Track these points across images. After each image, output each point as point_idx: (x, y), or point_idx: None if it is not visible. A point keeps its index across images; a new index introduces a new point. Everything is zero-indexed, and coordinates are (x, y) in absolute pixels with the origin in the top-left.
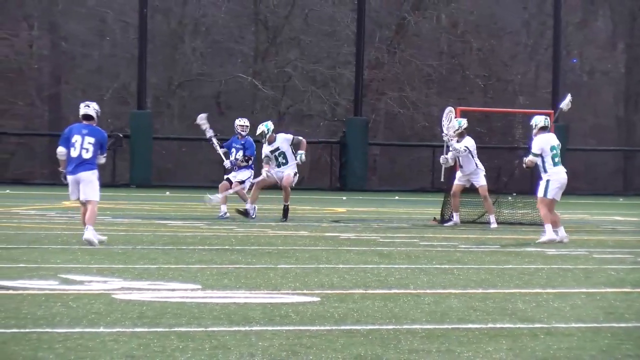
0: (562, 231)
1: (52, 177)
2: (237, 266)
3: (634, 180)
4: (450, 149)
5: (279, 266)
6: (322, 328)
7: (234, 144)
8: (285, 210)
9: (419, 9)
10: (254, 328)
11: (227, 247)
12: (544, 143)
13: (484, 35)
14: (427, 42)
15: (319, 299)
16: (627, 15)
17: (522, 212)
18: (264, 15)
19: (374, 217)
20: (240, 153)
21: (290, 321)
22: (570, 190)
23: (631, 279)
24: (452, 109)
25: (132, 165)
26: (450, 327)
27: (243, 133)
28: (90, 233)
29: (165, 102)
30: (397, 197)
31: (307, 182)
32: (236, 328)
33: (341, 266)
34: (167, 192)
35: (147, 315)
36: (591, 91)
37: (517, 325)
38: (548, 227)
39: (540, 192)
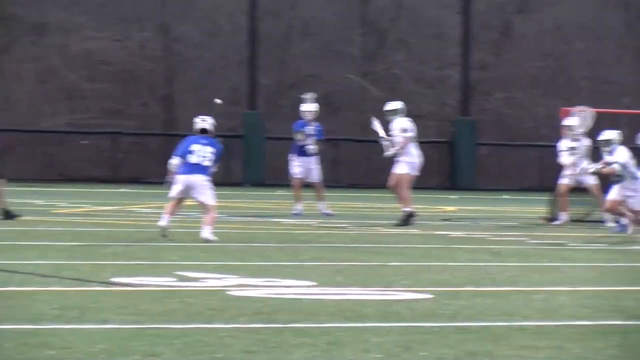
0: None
1: (165, 175)
2: (351, 263)
3: None
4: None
5: (391, 264)
6: (435, 325)
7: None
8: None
9: (524, 11)
10: (368, 324)
11: (340, 244)
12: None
13: (588, 37)
14: (532, 43)
15: (431, 296)
16: None
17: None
18: (371, 17)
19: (484, 216)
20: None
21: (403, 318)
22: None
23: None
24: (586, 109)
25: (245, 165)
26: (560, 323)
27: (310, 118)
28: (207, 231)
29: (276, 102)
30: (505, 196)
31: (417, 181)
32: (350, 324)
33: (452, 264)
34: (278, 191)
35: (263, 312)
36: None
37: (628, 322)
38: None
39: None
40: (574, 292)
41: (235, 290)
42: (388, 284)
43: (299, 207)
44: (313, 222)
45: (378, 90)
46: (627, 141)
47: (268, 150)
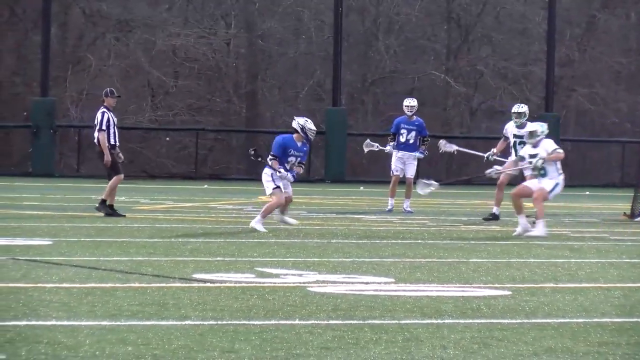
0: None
1: (247, 172)
2: (430, 260)
3: None
4: None
5: (470, 260)
6: (513, 321)
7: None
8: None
9: (609, 6)
10: (446, 321)
11: (419, 241)
12: None
13: None
14: (616, 39)
15: (510, 292)
16: None
17: None
18: (456, 13)
19: (565, 212)
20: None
21: (481, 314)
22: None
23: None
24: None
25: (326, 161)
26: (639, 320)
27: (410, 113)
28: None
29: (359, 98)
30: (587, 192)
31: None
32: (428, 321)
33: (532, 260)
34: (361, 187)
35: (341, 308)
36: None
37: None
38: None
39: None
40: None
41: (314, 286)
42: (466, 281)
43: (392, 202)
44: (394, 218)
45: (461, 86)
46: None
47: (350, 147)
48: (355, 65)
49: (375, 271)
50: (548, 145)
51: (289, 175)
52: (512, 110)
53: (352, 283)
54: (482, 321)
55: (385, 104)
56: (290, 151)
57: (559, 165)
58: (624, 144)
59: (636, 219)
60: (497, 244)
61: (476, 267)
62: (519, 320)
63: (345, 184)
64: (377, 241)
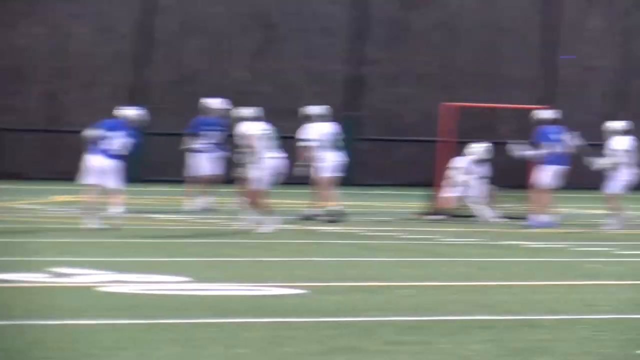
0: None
1: (46, 172)
2: (224, 259)
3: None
4: None
5: (264, 259)
6: (306, 320)
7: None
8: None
9: (413, 7)
10: (238, 320)
11: (214, 240)
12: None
13: (477, 32)
14: (419, 39)
15: (303, 291)
16: (621, 13)
17: (506, 205)
18: (263, 13)
19: (360, 211)
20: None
21: (273, 313)
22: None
23: (610, 272)
24: None
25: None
26: (430, 318)
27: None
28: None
29: (166, 98)
30: (384, 192)
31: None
32: (221, 320)
33: (326, 259)
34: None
35: (135, 307)
36: (584, 88)
37: (497, 317)
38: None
39: (610, 189)
40: (444, 287)
41: (109, 285)
42: (260, 280)
43: (204, 201)
44: (189, 217)
45: (267, 85)
46: (516, 136)
47: (152, 146)
48: (162, 64)
49: (170, 270)
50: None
51: None
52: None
53: (147, 282)
54: (273, 320)
55: (192, 104)
56: None
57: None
58: (424, 144)
59: (430, 218)
60: (291, 243)
61: (270, 265)
62: (309, 319)
63: (142, 183)
64: (173, 240)
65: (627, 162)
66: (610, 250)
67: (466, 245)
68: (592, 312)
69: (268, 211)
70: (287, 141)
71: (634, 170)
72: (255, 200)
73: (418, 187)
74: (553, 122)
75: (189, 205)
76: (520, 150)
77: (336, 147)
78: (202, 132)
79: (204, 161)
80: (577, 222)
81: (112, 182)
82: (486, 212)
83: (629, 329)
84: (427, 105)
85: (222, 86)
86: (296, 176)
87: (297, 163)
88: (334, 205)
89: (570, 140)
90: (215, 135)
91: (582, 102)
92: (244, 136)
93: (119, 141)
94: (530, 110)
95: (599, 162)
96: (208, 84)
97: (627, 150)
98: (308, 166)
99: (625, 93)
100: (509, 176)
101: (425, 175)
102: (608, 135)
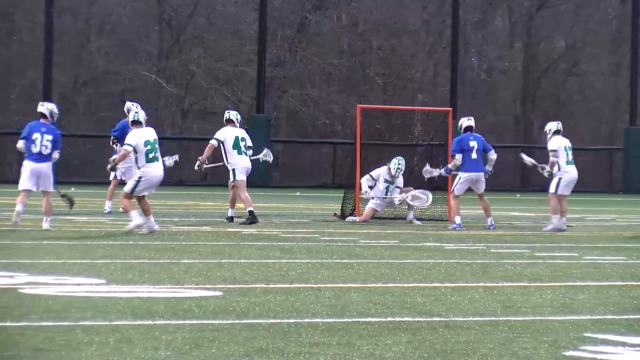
0: (563, 220)
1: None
2: (141, 261)
3: (530, 177)
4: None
5: (182, 261)
6: (225, 322)
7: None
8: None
9: (320, 8)
10: (158, 322)
11: (131, 242)
12: (559, 144)
13: (384, 34)
14: (328, 41)
15: (221, 293)
16: (524, 15)
17: (422, 208)
18: (167, 14)
19: (276, 213)
20: None
21: (193, 315)
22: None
23: (528, 273)
24: None
25: None
26: (350, 320)
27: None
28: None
29: (71, 99)
30: (298, 193)
31: (210, 178)
32: (140, 322)
33: (243, 261)
34: (73, 188)
35: (53, 309)
36: (490, 89)
37: (416, 319)
38: (555, 217)
39: (551, 189)
40: (363, 289)
41: (25, 288)
42: (178, 281)
43: (109, 205)
44: (104, 219)
45: (173, 87)
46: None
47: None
48: (67, 66)
49: (87, 272)
50: None
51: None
52: None
53: (64, 284)
54: (194, 322)
55: (97, 105)
56: None
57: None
58: (335, 145)
59: (346, 220)
60: (209, 245)
61: (188, 267)
62: (230, 321)
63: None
64: (89, 242)
65: (566, 161)
66: (529, 252)
67: (385, 247)
68: (512, 314)
69: (146, 212)
70: (199, 142)
71: (573, 170)
72: (137, 203)
73: (333, 188)
74: (468, 129)
75: (109, 207)
76: (430, 174)
77: (246, 150)
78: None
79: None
80: (496, 224)
81: (49, 184)
82: (409, 213)
83: (549, 330)
84: (337, 107)
85: (130, 87)
86: (202, 175)
87: (198, 163)
88: (249, 207)
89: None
90: None
91: (492, 104)
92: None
93: (47, 142)
94: (439, 112)
95: (527, 159)
96: (115, 85)
97: (565, 149)
98: (217, 167)
99: (534, 94)
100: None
101: (339, 176)
102: (547, 136)
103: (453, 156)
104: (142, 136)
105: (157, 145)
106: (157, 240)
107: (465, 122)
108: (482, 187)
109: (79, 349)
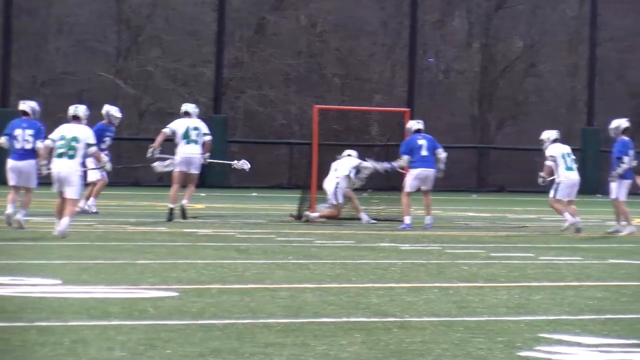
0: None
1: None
2: (97, 261)
3: (487, 178)
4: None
5: (137, 262)
6: (180, 322)
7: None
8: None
9: (279, 9)
10: (113, 322)
11: (87, 242)
12: (557, 151)
13: (342, 35)
14: (286, 41)
15: (177, 293)
16: (482, 16)
17: (377, 208)
18: (126, 14)
19: (232, 213)
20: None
21: (148, 315)
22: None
23: (483, 274)
24: None
25: None
26: (305, 321)
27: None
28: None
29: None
30: (255, 194)
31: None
32: (95, 322)
33: (199, 261)
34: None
35: (8, 310)
36: (447, 90)
37: (371, 319)
38: (566, 215)
39: (550, 194)
40: (319, 289)
41: None
42: (134, 282)
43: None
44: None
45: (130, 87)
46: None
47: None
48: (25, 66)
49: (43, 273)
50: None
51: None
52: None
53: (19, 285)
54: (149, 323)
55: (55, 106)
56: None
57: None
58: (292, 146)
59: (302, 220)
60: (165, 245)
61: (143, 268)
62: (185, 322)
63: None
64: (45, 243)
65: (565, 167)
66: (484, 253)
67: (340, 248)
68: (467, 314)
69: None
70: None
71: (573, 175)
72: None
73: (289, 189)
74: (417, 131)
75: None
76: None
77: (197, 138)
78: (106, 139)
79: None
80: (451, 225)
81: (30, 181)
82: (362, 214)
83: (503, 330)
84: (294, 107)
85: (88, 88)
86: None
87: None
88: (171, 204)
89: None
90: (109, 142)
91: (449, 104)
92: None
93: (29, 136)
94: (396, 113)
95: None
96: (73, 86)
97: (564, 156)
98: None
99: (492, 95)
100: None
101: (296, 177)
102: (544, 144)
103: (401, 157)
104: (60, 131)
105: (73, 144)
106: (113, 241)
107: (415, 125)
108: (430, 184)
109: (33, 349)
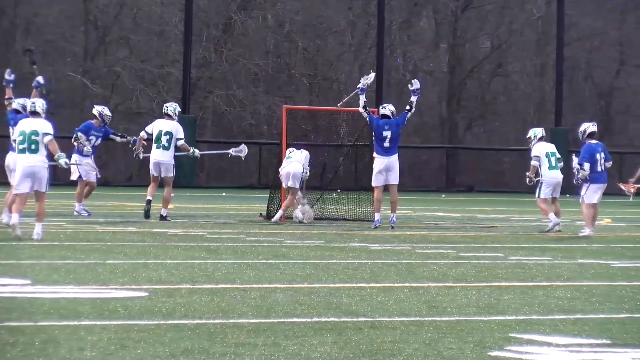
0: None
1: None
2: (67, 262)
3: (456, 178)
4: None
5: (108, 262)
6: (151, 323)
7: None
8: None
9: (246, 9)
10: (84, 323)
11: (57, 243)
12: (541, 151)
13: (310, 36)
14: (254, 41)
15: (147, 294)
16: (450, 16)
17: (347, 208)
18: (94, 15)
19: (202, 214)
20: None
21: (119, 316)
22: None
23: (454, 274)
24: None
25: None
26: (276, 321)
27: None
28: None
29: None
30: (224, 194)
31: (136, 179)
32: (66, 323)
33: (169, 262)
34: None
35: None
36: None
37: (342, 319)
38: (551, 215)
39: (536, 194)
40: (289, 289)
41: None
42: (104, 282)
43: None
44: (30, 220)
45: (98, 87)
46: (347, 139)
47: None
48: None
49: (13, 273)
50: None
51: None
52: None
53: None
54: (120, 323)
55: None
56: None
57: None
58: (262, 146)
59: (272, 220)
60: (135, 246)
61: (114, 268)
62: (156, 322)
63: None
64: (14, 243)
65: (548, 167)
66: (454, 253)
67: (310, 248)
68: (437, 314)
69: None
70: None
71: (556, 174)
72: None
73: (259, 189)
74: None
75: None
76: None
77: (168, 144)
78: (91, 137)
79: (90, 166)
80: (421, 225)
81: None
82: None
83: (474, 331)
84: (263, 107)
85: (56, 88)
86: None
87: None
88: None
89: None
90: (96, 142)
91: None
92: None
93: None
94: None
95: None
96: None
97: (548, 155)
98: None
99: (460, 95)
100: (348, 179)
101: (265, 177)
102: (530, 142)
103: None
104: (21, 126)
105: (34, 138)
106: (83, 241)
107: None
108: (394, 178)
109: (4, 350)
